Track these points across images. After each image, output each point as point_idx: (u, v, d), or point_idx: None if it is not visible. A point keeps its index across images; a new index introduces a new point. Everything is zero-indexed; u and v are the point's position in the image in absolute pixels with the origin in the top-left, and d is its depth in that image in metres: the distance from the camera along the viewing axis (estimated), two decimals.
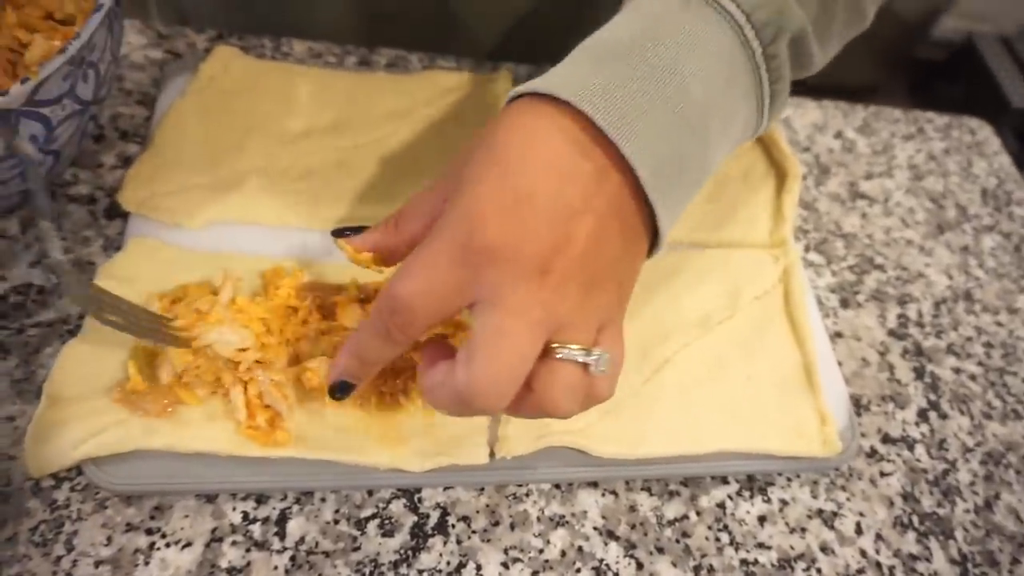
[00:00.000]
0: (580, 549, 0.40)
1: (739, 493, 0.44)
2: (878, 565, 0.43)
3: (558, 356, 0.31)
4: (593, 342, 0.32)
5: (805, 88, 0.54)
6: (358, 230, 0.37)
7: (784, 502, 0.44)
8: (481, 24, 0.64)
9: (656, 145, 0.31)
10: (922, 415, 0.49)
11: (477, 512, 0.40)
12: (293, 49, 0.58)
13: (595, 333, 0.32)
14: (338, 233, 0.38)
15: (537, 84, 0.32)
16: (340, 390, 0.36)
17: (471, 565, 0.39)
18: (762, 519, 0.43)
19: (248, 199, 0.46)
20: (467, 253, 0.30)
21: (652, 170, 0.31)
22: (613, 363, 0.33)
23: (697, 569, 0.41)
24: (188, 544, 0.37)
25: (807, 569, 0.42)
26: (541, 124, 0.31)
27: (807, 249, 0.56)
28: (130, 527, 0.37)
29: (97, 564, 0.36)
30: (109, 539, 0.37)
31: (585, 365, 0.31)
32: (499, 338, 0.30)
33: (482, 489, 0.41)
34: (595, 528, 0.41)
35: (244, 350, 0.39)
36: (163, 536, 0.37)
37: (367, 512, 0.39)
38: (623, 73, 0.32)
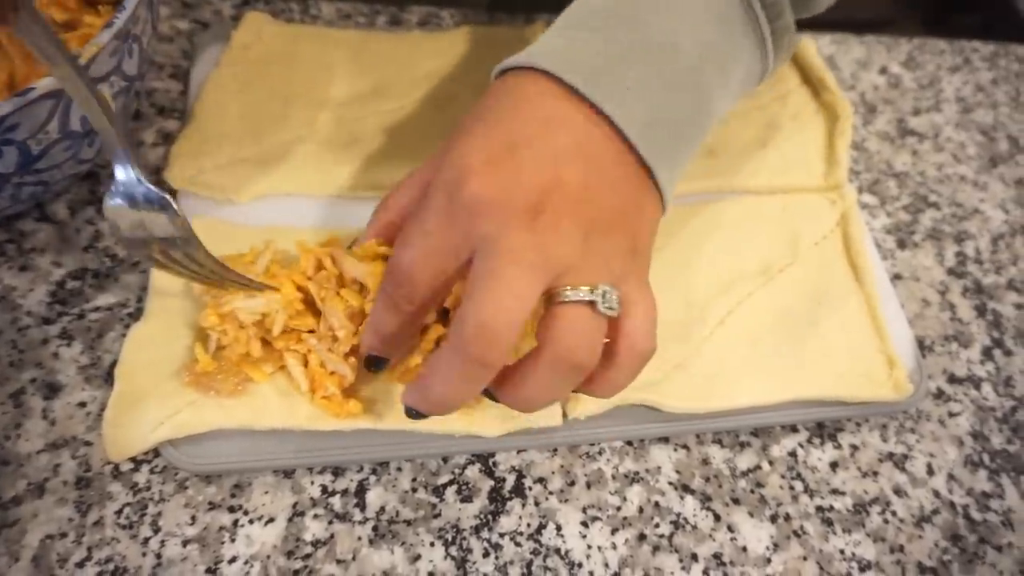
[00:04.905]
0: (657, 504, 0.40)
1: (809, 441, 0.43)
2: (952, 505, 0.43)
3: (560, 300, 0.30)
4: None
5: (817, 24, 0.53)
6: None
7: (855, 447, 0.44)
8: None
9: (640, 106, 0.31)
10: (987, 353, 0.49)
11: (552, 473, 0.40)
12: (321, 11, 0.56)
13: (606, 280, 0.31)
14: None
15: (519, 58, 0.33)
16: (373, 364, 0.36)
17: (551, 526, 0.39)
18: (834, 465, 0.43)
19: (296, 170, 0.45)
20: (456, 208, 0.30)
21: (640, 130, 0.31)
22: (645, 313, 0.32)
23: (774, 518, 0.41)
24: (271, 520, 0.37)
25: (882, 512, 0.42)
26: (530, 87, 0.32)
27: (860, 191, 0.55)
28: (212, 506, 0.37)
29: (185, 543, 0.36)
30: (193, 518, 0.37)
31: (591, 304, 0.30)
32: (491, 281, 0.28)
33: (555, 450, 0.41)
34: (670, 483, 0.41)
35: (268, 315, 0.37)
36: (246, 513, 0.37)
37: (444, 479, 0.39)
38: (603, 38, 0.32)
